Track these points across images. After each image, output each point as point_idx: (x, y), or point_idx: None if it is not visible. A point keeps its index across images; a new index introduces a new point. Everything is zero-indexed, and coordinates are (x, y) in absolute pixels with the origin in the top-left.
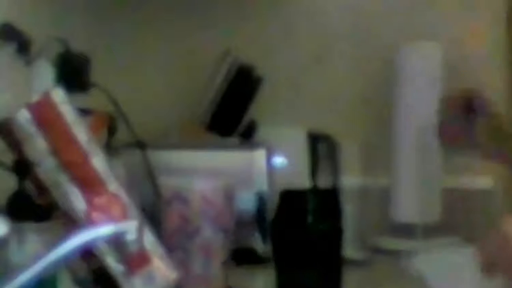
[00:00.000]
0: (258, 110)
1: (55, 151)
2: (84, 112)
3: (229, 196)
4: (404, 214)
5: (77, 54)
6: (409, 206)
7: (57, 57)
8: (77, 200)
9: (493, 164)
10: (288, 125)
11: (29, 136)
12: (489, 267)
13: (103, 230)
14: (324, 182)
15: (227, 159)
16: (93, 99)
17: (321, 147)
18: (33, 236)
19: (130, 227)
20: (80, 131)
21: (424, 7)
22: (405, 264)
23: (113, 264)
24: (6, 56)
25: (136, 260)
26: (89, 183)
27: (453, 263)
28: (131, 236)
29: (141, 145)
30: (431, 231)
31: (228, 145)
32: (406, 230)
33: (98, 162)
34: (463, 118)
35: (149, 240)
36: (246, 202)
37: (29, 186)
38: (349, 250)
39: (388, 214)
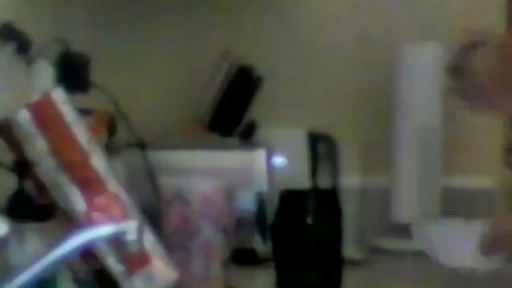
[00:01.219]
0: (258, 110)
1: (55, 151)
2: (84, 112)
3: (229, 196)
4: (404, 214)
5: (77, 54)
6: (409, 206)
7: (57, 57)
8: (77, 200)
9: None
10: (288, 125)
11: (29, 136)
12: (494, 246)
13: (103, 230)
14: (324, 182)
15: (227, 159)
16: (93, 99)
17: (321, 147)
18: (33, 236)
19: (130, 227)
20: (80, 131)
21: (424, 7)
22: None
23: (113, 264)
24: (6, 56)
25: (136, 260)
26: (89, 183)
27: (457, 236)
28: (131, 236)
29: (141, 145)
30: None
31: (228, 145)
32: (406, 230)
33: (98, 162)
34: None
35: (149, 240)
36: (246, 202)
37: (29, 186)
38: (349, 250)
39: (388, 214)
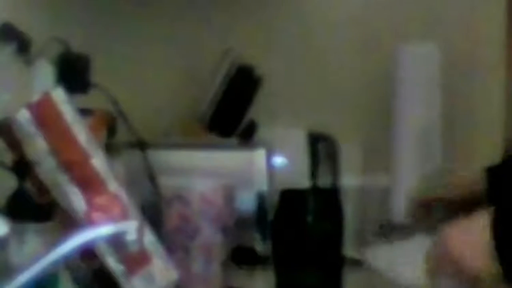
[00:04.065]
0: (258, 110)
1: (55, 151)
2: (84, 112)
3: (229, 196)
4: (404, 214)
5: (77, 54)
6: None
7: (57, 57)
8: (77, 200)
9: None
10: (288, 125)
11: (29, 136)
12: (434, 273)
13: (103, 230)
14: (324, 182)
15: (227, 159)
16: (93, 99)
17: (321, 147)
18: (33, 236)
19: (130, 227)
20: (80, 131)
21: (424, 7)
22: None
23: (113, 264)
24: (6, 56)
25: (136, 260)
26: (89, 183)
27: (408, 253)
28: (131, 236)
29: (141, 145)
30: (430, 231)
31: (228, 145)
32: (406, 230)
33: (98, 162)
34: None
35: (149, 240)
36: (246, 202)
37: (29, 186)
38: (349, 250)
39: (388, 214)
